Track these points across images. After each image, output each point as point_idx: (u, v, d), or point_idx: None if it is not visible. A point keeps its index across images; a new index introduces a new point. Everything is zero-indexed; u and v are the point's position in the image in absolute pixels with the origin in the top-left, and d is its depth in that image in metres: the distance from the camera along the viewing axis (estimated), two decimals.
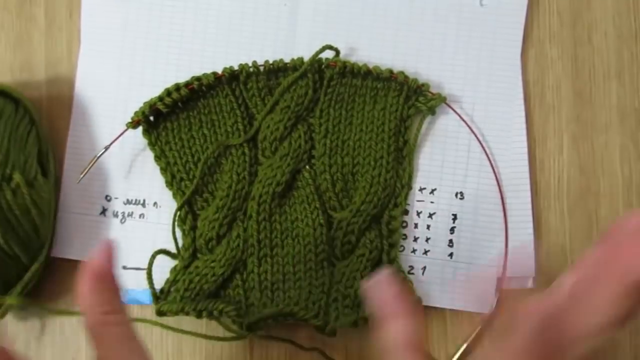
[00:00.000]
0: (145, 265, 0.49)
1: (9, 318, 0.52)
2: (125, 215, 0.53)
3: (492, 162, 0.52)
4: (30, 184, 0.48)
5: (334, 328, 0.48)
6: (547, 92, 0.54)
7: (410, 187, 0.52)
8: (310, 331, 0.49)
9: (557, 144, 0.54)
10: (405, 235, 0.52)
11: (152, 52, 0.54)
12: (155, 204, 0.53)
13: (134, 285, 0.51)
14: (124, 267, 0.52)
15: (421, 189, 0.53)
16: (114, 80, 0.52)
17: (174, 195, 0.51)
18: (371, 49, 0.54)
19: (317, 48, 0.51)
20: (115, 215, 0.53)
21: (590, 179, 0.54)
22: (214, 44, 0.54)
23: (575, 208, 0.53)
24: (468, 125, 0.52)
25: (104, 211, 0.53)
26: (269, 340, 0.51)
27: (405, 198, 0.52)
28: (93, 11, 0.54)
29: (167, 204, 0.52)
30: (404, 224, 0.52)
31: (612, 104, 0.54)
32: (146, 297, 0.51)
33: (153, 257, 0.50)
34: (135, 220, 0.53)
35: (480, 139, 0.52)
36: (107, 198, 0.53)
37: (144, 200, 0.53)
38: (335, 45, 0.52)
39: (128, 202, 0.53)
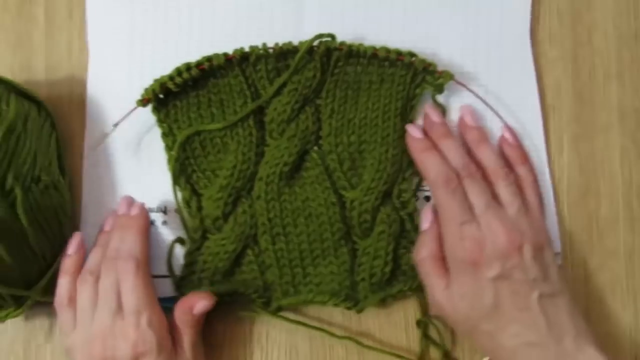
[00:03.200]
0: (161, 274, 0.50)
1: (9, 319, 0.52)
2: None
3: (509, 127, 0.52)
4: (55, 185, 0.49)
5: (362, 308, 0.49)
6: (547, 92, 0.54)
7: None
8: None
9: (557, 144, 0.54)
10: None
11: (160, 55, 0.53)
12: (177, 210, 0.52)
13: (161, 292, 0.50)
14: (153, 276, 0.51)
15: None
16: (125, 88, 0.52)
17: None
18: (379, 37, 0.52)
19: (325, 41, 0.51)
20: None
21: (590, 179, 0.54)
22: (221, 38, 0.53)
23: (575, 208, 0.53)
24: (481, 99, 0.52)
25: None
26: (300, 325, 0.51)
27: (414, 171, 0.51)
28: (99, 9, 0.54)
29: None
30: (417, 198, 0.52)
31: (612, 104, 0.54)
32: (172, 303, 0.50)
33: (172, 246, 0.50)
34: (159, 228, 0.52)
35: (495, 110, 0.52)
36: None
37: (166, 208, 0.52)
38: (343, 35, 0.52)
39: (149, 210, 0.52)
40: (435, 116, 0.50)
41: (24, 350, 0.52)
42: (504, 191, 0.47)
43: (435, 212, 0.48)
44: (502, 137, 0.52)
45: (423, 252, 0.47)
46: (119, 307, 0.45)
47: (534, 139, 0.53)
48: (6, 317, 0.48)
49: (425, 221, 0.48)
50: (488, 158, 0.49)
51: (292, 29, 0.54)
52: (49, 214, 0.48)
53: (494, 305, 0.43)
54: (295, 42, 0.51)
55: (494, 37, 0.54)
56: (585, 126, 0.54)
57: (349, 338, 0.50)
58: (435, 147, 0.48)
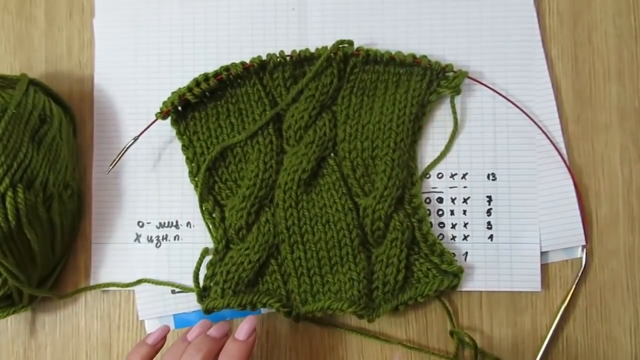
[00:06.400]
0: (188, 286, 0.51)
1: (9, 318, 0.52)
2: (160, 239, 0.52)
3: (543, 127, 0.53)
4: (78, 191, 0.51)
5: (374, 318, 0.48)
6: None
7: (423, 169, 0.53)
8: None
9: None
10: (442, 223, 0.52)
11: (165, 67, 0.54)
12: (188, 224, 0.52)
13: (184, 308, 0.52)
14: (173, 292, 0.52)
15: (452, 175, 0.53)
16: (129, 102, 0.53)
17: (196, 188, 0.51)
18: (384, 43, 0.53)
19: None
20: (150, 240, 0.52)
21: (590, 179, 0.54)
22: (227, 42, 0.54)
23: None
24: (499, 93, 0.52)
25: (138, 238, 0.52)
26: (333, 328, 0.51)
27: (422, 175, 0.52)
28: (106, 9, 0.55)
29: (200, 222, 0.52)
30: (427, 200, 0.52)
31: (612, 104, 0.54)
32: (197, 317, 0.51)
33: (202, 256, 0.50)
34: (171, 243, 0.52)
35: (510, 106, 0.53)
36: (140, 224, 0.53)
37: (177, 222, 0.52)
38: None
39: (161, 225, 0.52)
40: None
41: (24, 350, 0.52)
42: None
43: None
44: None
45: None
46: None
47: (549, 127, 0.53)
48: (13, 312, 0.49)
49: None
50: None
51: (297, 38, 0.54)
52: (71, 218, 0.50)
53: None
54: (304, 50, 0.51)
55: (500, 34, 0.54)
56: (585, 126, 0.54)
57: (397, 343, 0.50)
58: None
